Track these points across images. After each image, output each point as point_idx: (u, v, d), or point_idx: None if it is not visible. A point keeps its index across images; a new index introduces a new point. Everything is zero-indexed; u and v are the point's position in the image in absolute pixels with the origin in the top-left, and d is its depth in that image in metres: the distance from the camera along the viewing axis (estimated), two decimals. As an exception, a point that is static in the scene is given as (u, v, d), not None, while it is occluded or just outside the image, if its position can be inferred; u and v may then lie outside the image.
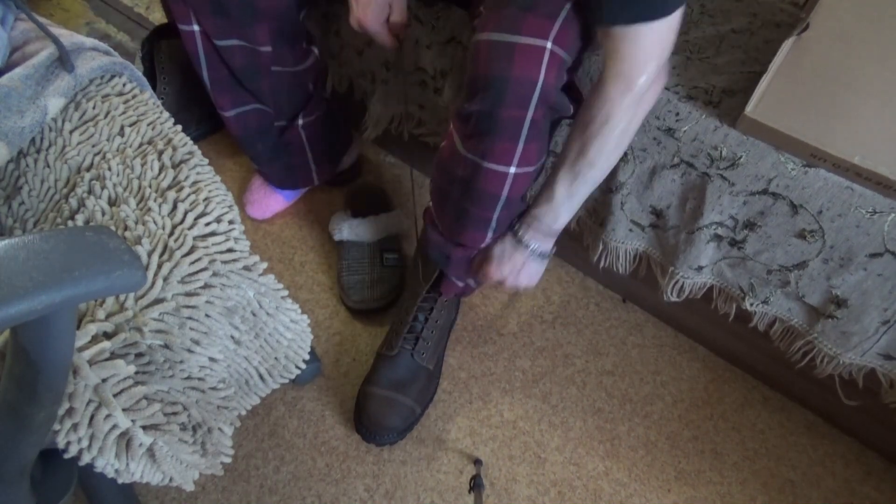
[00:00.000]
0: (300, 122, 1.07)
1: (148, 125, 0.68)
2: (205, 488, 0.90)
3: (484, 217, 0.80)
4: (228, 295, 0.59)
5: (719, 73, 0.85)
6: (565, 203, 0.79)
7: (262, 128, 1.05)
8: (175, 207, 0.61)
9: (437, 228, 0.88)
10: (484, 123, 0.69)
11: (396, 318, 1.00)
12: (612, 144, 0.73)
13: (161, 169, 0.64)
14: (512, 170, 0.73)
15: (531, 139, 0.70)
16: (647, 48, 0.67)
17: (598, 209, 0.97)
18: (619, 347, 1.09)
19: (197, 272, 0.57)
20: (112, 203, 0.62)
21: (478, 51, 0.67)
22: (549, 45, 0.64)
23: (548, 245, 0.84)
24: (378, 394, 0.94)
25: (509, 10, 0.65)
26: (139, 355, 0.54)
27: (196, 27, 0.88)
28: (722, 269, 0.89)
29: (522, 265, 0.85)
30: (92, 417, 0.50)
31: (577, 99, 0.76)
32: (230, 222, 0.62)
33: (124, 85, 0.73)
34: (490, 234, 0.83)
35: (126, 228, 0.59)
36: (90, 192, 0.63)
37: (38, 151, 0.67)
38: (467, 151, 0.73)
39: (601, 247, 0.99)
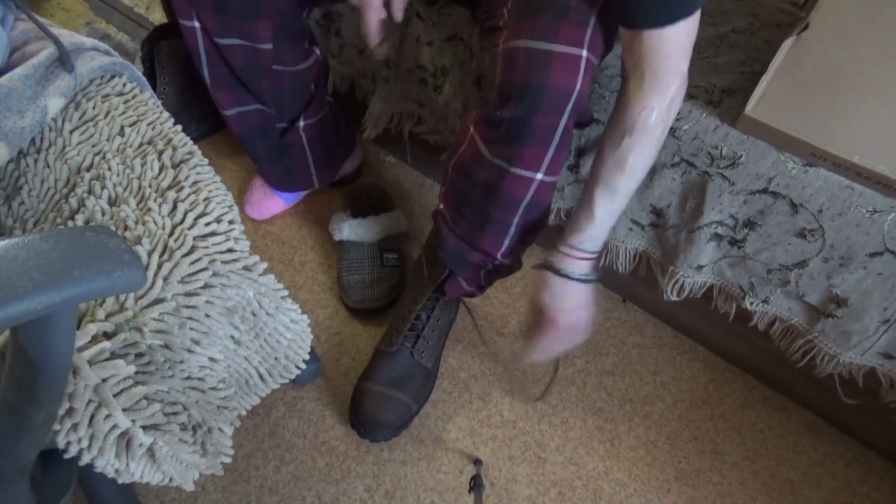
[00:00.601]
0: (301, 123, 1.07)
1: (148, 125, 0.68)
2: (205, 488, 0.90)
3: (504, 222, 0.79)
4: (228, 295, 0.59)
5: (719, 72, 0.85)
6: (607, 221, 0.75)
7: (263, 128, 1.05)
8: (175, 207, 0.61)
9: (455, 232, 0.86)
10: (516, 130, 0.68)
11: (397, 316, 1.00)
12: (651, 152, 0.72)
13: (161, 169, 0.64)
14: (539, 176, 0.72)
15: (561, 147, 0.70)
16: (682, 46, 0.67)
17: (598, 209, 0.96)
18: (619, 347, 1.09)
19: (197, 272, 0.57)
20: (112, 203, 0.62)
21: (513, 58, 0.67)
22: (584, 52, 0.65)
23: (590, 270, 0.78)
24: (375, 390, 0.94)
25: (543, 18, 0.65)
26: (139, 355, 0.54)
27: (197, 23, 0.88)
28: (722, 268, 0.89)
29: (582, 295, 0.79)
30: (92, 417, 0.50)
31: None
32: (230, 222, 0.62)
33: (124, 85, 0.73)
34: (507, 242, 0.81)
35: (126, 228, 0.59)
36: (90, 192, 0.63)
37: (38, 151, 0.67)
38: (494, 157, 0.72)
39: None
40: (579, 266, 0.77)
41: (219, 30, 0.88)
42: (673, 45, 0.66)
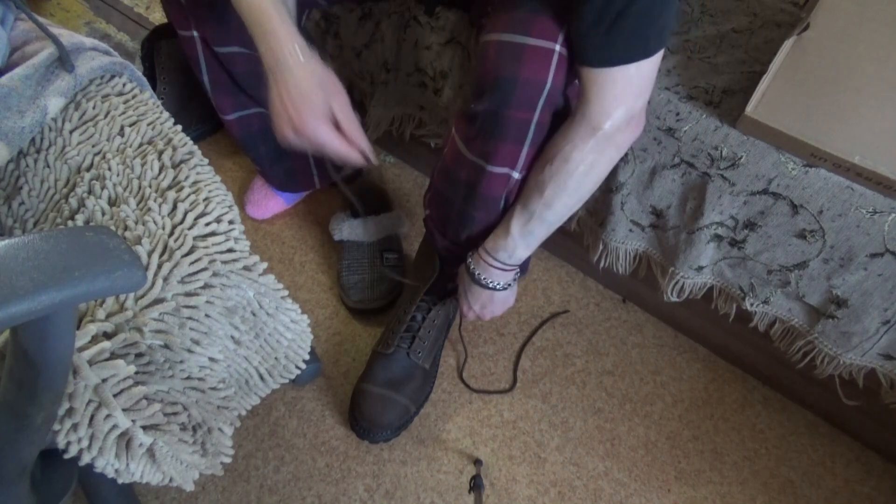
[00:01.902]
0: None
1: (148, 125, 0.68)
2: (205, 488, 0.90)
3: (488, 221, 0.80)
4: (228, 295, 0.59)
5: (720, 72, 0.85)
6: (520, 241, 0.77)
7: (264, 131, 1.04)
8: (175, 207, 0.61)
9: (444, 234, 0.87)
10: (489, 123, 0.69)
11: (394, 317, 1.00)
12: (571, 187, 0.71)
13: (161, 169, 0.64)
14: (515, 175, 0.73)
15: (535, 142, 0.70)
16: (621, 92, 0.65)
17: (598, 209, 0.97)
18: (619, 347, 1.09)
19: (197, 272, 0.57)
20: (112, 203, 0.62)
21: (486, 51, 0.67)
22: (557, 47, 0.65)
23: (507, 278, 0.83)
24: (373, 391, 0.94)
25: (519, 13, 0.65)
26: (139, 355, 0.54)
27: (195, 33, 0.88)
28: (722, 269, 0.89)
29: (488, 299, 0.87)
30: (92, 417, 0.50)
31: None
32: (230, 222, 0.62)
33: (124, 85, 0.73)
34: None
35: (126, 228, 0.59)
36: (90, 192, 0.63)
37: (38, 151, 0.67)
38: (471, 154, 0.73)
39: (601, 247, 0.99)
40: (492, 274, 0.82)
41: (218, 39, 0.88)
42: (610, 90, 0.64)
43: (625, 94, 0.65)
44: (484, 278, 0.83)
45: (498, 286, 0.84)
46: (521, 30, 0.65)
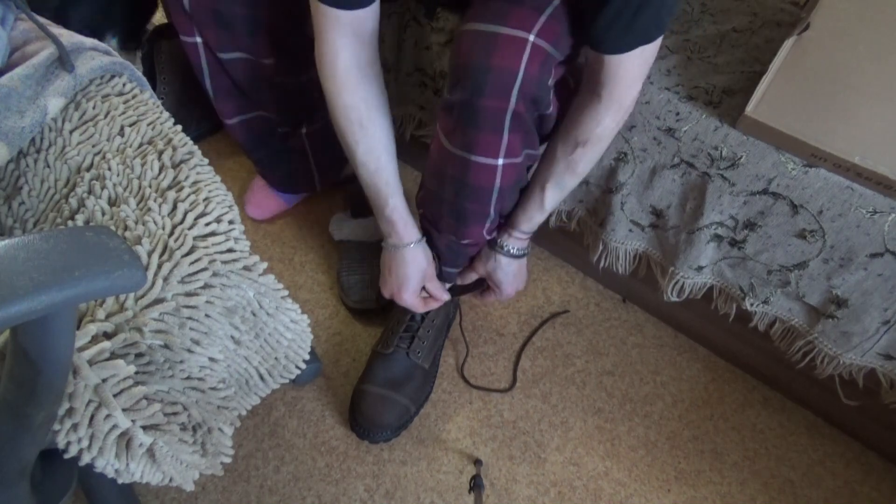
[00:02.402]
0: (304, 130, 1.07)
1: (148, 125, 0.68)
2: (205, 488, 0.90)
3: (482, 211, 0.80)
4: (228, 295, 0.59)
5: (720, 72, 0.85)
6: (550, 211, 0.85)
7: (265, 134, 1.05)
8: (175, 207, 0.61)
9: (440, 232, 0.88)
10: (465, 114, 0.69)
11: (393, 317, 1.00)
12: (598, 156, 0.78)
13: (161, 169, 0.64)
14: (500, 161, 0.73)
15: (514, 130, 0.70)
16: (641, 71, 0.70)
17: (598, 209, 0.97)
18: (619, 347, 1.09)
19: (197, 272, 0.57)
20: (112, 203, 0.62)
21: (461, 40, 0.67)
22: (531, 37, 0.64)
23: (526, 244, 0.90)
24: (373, 391, 0.94)
25: (497, 3, 0.66)
26: (139, 355, 0.54)
27: (199, 38, 0.88)
28: (722, 269, 0.89)
29: (521, 268, 0.93)
30: (92, 417, 0.50)
31: (568, 96, 0.76)
32: (230, 222, 0.62)
33: (124, 85, 0.73)
34: (489, 225, 0.84)
35: (126, 228, 0.59)
36: (90, 192, 0.63)
37: (38, 151, 0.67)
38: (453, 147, 0.73)
39: (601, 247, 0.99)
40: (523, 245, 0.89)
41: (221, 45, 0.88)
42: (632, 70, 0.69)
43: (644, 68, 0.70)
44: (517, 249, 0.89)
45: (527, 252, 0.92)
46: (496, 20, 0.65)
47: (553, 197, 0.81)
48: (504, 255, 0.89)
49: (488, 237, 0.89)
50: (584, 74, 0.73)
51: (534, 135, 0.74)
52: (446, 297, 0.94)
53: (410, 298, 0.90)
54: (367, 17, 0.72)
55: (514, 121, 0.69)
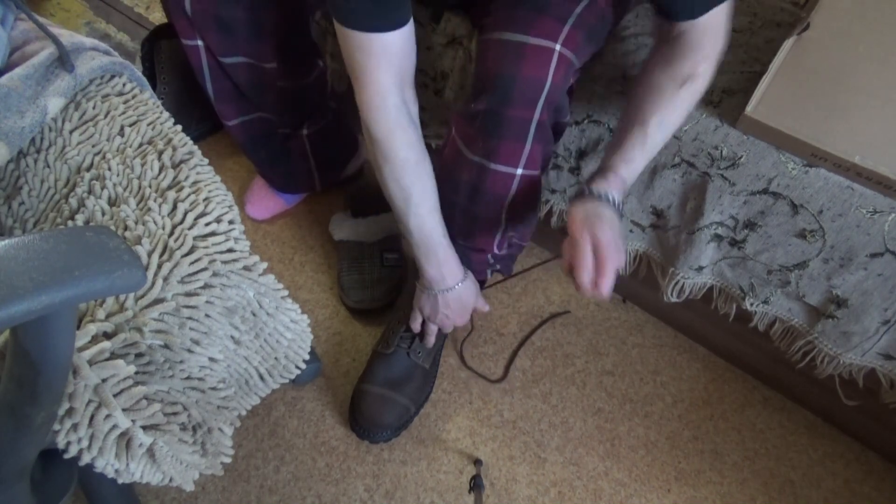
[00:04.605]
0: (305, 130, 1.07)
1: (148, 125, 0.68)
2: (205, 488, 0.90)
3: (494, 218, 0.80)
4: (228, 295, 0.59)
5: (720, 72, 0.84)
6: (652, 155, 0.73)
7: (266, 134, 1.04)
8: (175, 207, 0.61)
9: (450, 235, 0.87)
10: (490, 123, 0.68)
11: (394, 317, 1.00)
12: (698, 98, 0.72)
13: (161, 169, 0.64)
14: (519, 171, 0.72)
15: (537, 140, 0.70)
16: (721, 31, 0.68)
17: (598, 209, 0.97)
18: (619, 347, 1.09)
19: (197, 272, 0.57)
20: (112, 203, 0.62)
21: (487, 49, 0.67)
22: (557, 46, 0.65)
23: (621, 196, 0.71)
24: (373, 391, 0.94)
25: (520, 12, 0.66)
26: (139, 355, 0.54)
27: (200, 42, 0.88)
28: (722, 269, 0.89)
29: (617, 224, 0.70)
30: (92, 417, 0.50)
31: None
32: (230, 222, 0.62)
33: (124, 85, 0.73)
34: (499, 236, 0.83)
35: (126, 228, 0.59)
36: (90, 192, 0.63)
37: (38, 151, 0.67)
38: (473, 154, 0.73)
39: (601, 247, 0.98)
40: (620, 196, 0.70)
41: (223, 49, 0.88)
42: (711, 33, 0.67)
43: (724, 29, 0.68)
44: (616, 198, 0.69)
45: (623, 214, 0.74)
46: (521, 29, 0.65)
47: (656, 136, 0.70)
48: (605, 203, 0.67)
49: (498, 252, 0.88)
50: (669, 37, 0.71)
51: (551, 144, 0.74)
52: (487, 307, 0.96)
53: (464, 320, 0.92)
54: (406, 40, 0.68)
55: (538, 130, 0.69)
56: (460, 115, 0.73)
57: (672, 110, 0.70)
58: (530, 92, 0.66)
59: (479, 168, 0.73)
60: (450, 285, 0.85)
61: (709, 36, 0.68)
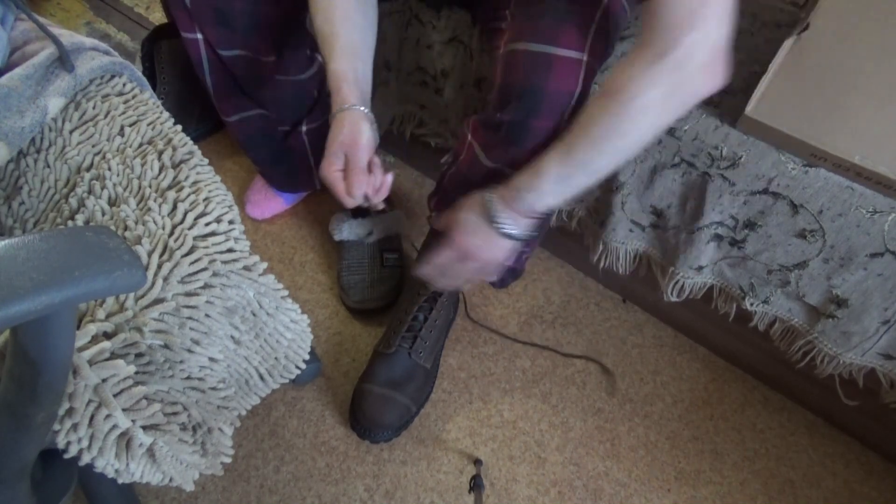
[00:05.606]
0: (304, 127, 1.07)
1: (148, 125, 0.68)
2: (205, 488, 0.90)
3: None
4: (228, 295, 0.59)
5: (719, 72, 0.85)
6: (554, 186, 0.65)
7: (265, 132, 1.05)
8: (175, 207, 0.61)
9: None
10: (515, 133, 0.68)
11: (395, 317, 1.00)
12: (627, 131, 0.61)
13: (161, 169, 0.64)
14: None
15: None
16: (686, 12, 0.55)
17: (598, 209, 0.97)
18: (619, 347, 1.09)
19: (197, 272, 0.57)
20: (112, 203, 0.62)
21: (513, 60, 0.66)
22: (585, 56, 0.65)
23: (521, 227, 0.69)
24: (374, 391, 0.94)
25: (545, 21, 0.65)
26: (139, 355, 0.54)
27: (199, 35, 0.88)
28: (722, 268, 0.89)
29: (487, 240, 0.71)
30: (92, 417, 0.50)
31: None
32: (230, 222, 0.62)
33: (124, 85, 0.73)
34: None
35: (126, 228, 0.59)
36: (90, 192, 0.63)
37: (38, 151, 0.67)
38: (492, 161, 0.72)
39: (601, 247, 0.99)
40: (509, 217, 0.68)
41: (222, 42, 0.88)
42: (671, 9, 0.55)
43: (702, 10, 0.55)
44: (501, 218, 0.68)
45: (509, 232, 0.69)
46: (549, 40, 0.64)
47: (552, 162, 0.64)
48: (482, 207, 0.69)
49: (506, 265, 0.86)
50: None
51: None
52: (359, 193, 0.74)
53: (326, 169, 0.73)
54: None
55: (556, 135, 0.68)
56: (481, 124, 0.72)
57: (574, 134, 0.63)
58: (558, 103, 0.66)
59: (498, 174, 0.72)
60: (333, 112, 0.72)
61: (653, 30, 0.56)
